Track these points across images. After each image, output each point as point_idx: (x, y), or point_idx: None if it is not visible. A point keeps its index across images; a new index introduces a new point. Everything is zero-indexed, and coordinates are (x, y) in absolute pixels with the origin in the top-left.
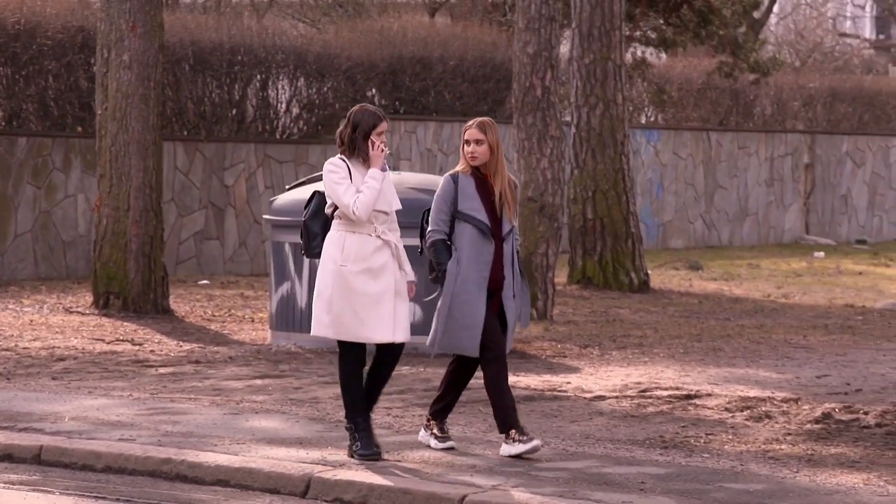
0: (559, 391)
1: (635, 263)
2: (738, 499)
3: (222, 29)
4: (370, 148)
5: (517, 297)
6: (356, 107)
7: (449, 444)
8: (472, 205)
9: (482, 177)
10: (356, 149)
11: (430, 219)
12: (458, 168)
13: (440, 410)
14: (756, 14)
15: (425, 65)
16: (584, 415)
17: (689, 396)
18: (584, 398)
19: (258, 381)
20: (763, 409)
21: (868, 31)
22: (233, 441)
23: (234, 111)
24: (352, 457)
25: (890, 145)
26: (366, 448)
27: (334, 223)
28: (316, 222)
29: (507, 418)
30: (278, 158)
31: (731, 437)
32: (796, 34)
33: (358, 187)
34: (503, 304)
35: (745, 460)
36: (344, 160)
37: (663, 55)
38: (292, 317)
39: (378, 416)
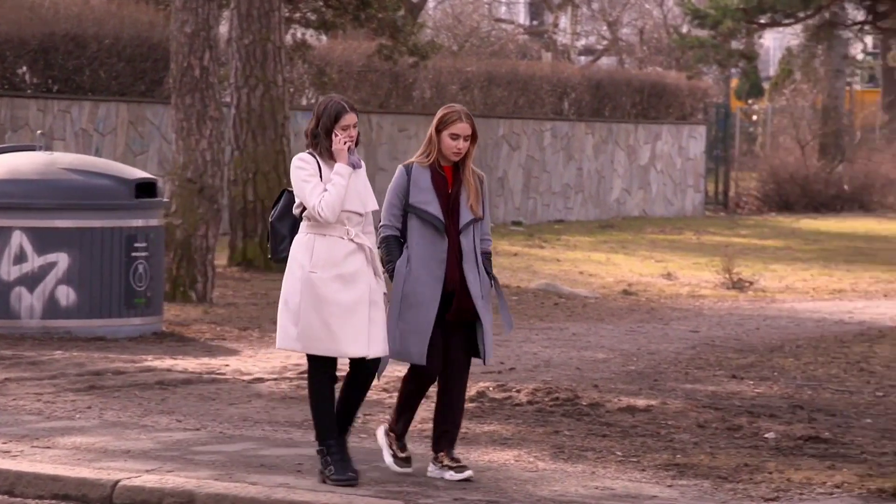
0: (217, 374)
1: None
2: (394, 478)
3: None
4: (333, 142)
5: (485, 298)
6: (323, 98)
7: (405, 469)
8: (425, 197)
9: (440, 168)
10: (319, 144)
11: (382, 213)
12: (416, 158)
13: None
14: None
15: (79, 43)
16: (243, 397)
17: None
18: (243, 381)
19: None
20: None
21: (522, 17)
22: None
23: None
24: (324, 482)
25: (544, 129)
26: (340, 473)
27: (303, 225)
28: (284, 223)
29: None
30: None
31: (388, 416)
32: (454, 19)
33: (325, 186)
34: (475, 306)
35: None
36: (313, 156)
37: (324, 37)
38: None
39: (27, 402)
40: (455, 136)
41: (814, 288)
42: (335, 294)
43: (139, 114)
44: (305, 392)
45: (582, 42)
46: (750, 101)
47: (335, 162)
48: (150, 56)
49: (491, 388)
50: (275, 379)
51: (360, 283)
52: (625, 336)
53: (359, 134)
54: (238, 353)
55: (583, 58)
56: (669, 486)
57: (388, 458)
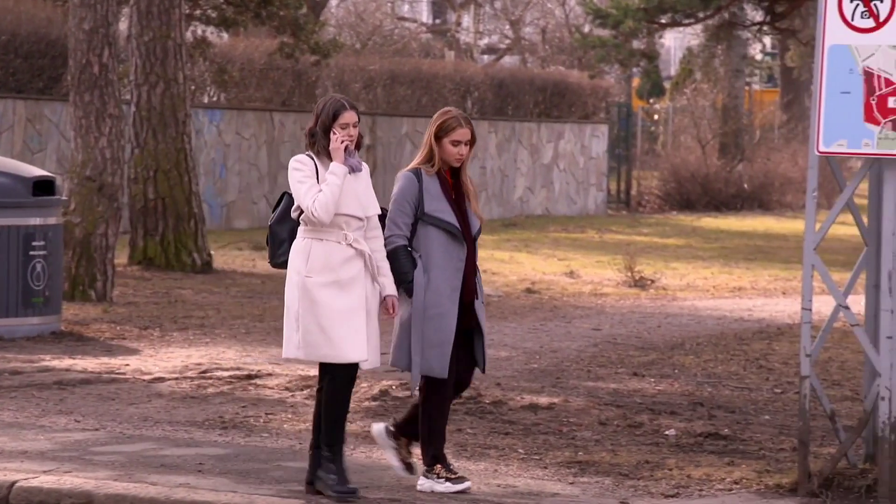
0: (117, 373)
1: (198, 244)
2: (296, 477)
3: None
4: (331, 140)
5: (482, 305)
6: (323, 97)
7: (465, 484)
8: (439, 206)
9: (444, 175)
10: (317, 144)
11: (388, 220)
12: (419, 164)
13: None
14: None
15: None
16: (143, 397)
17: (249, 377)
18: (143, 380)
19: None
20: None
21: (425, 15)
22: None
23: None
24: (314, 490)
25: None
26: (342, 484)
27: (300, 229)
28: (283, 227)
29: (432, 453)
30: None
31: (290, 415)
32: (356, 17)
33: (320, 186)
34: (476, 315)
35: (304, 439)
36: (311, 157)
37: (225, 35)
38: None
39: None
40: (456, 143)
41: (714, 286)
42: (330, 299)
43: (37, 111)
44: (208, 391)
45: (485, 41)
46: (651, 101)
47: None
48: (48, 53)
49: (394, 387)
50: (175, 378)
51: (356, 290)
52: (527, 334)
53: (360, 135)
54: (138, 352)
55: (486, 56)
56: (571, 483)
57: (394, 461)
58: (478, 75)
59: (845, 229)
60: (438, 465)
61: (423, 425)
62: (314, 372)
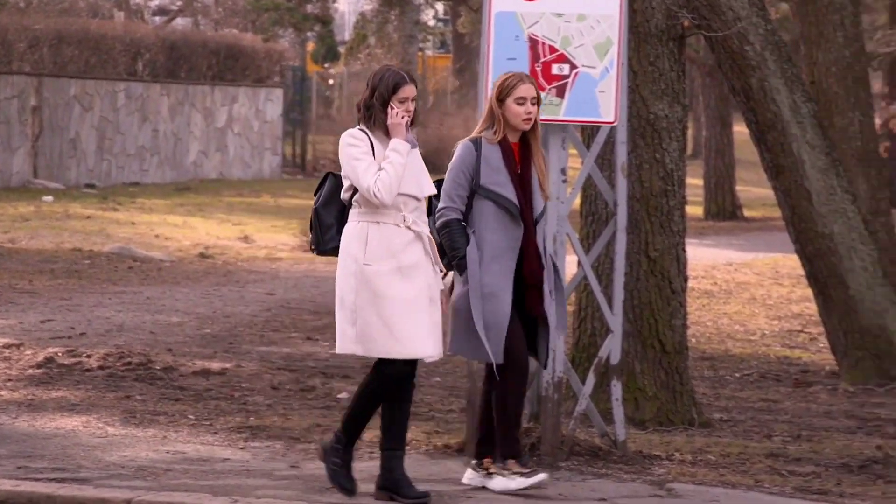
0: None
1: None
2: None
3: None
4: (389, 115)
5: (552, 295)
6: (378, 67)
7: (539, 476)
8: (498, 178)
9: (509, 145)
10: (374, 118)
11: (442, 192)
12: (481, 133)
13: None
14: None
15: None
16: None
17: None
18: None
19: None
20: None
21: None
22: None
23: None
24: (387, 496)
25: (117, 90)
26: (348, 480)
27: (353, 212)
28: (329, 210)
29: (509, 446)
30: None
31: None
32: None
33: (381, 164)
34: (543, 304)
35: None
36: (365, 132)
37: None
38: None
39: None
40: (522, 101)
41: None
42: (393, 289)
43: None
44: None
45: (156, 2)
46: (326, 65)
47: (389, 138)
48: None
49: (60, 354)
50: None
51: (419, 277)
52: (200, 299)
53: (416, 109)
54: None
55: (157, 18)
56: (242, 448)
57: (511, 484)
58: (149, 37)
59: None
60: (511, 461)
61: (498, 418)
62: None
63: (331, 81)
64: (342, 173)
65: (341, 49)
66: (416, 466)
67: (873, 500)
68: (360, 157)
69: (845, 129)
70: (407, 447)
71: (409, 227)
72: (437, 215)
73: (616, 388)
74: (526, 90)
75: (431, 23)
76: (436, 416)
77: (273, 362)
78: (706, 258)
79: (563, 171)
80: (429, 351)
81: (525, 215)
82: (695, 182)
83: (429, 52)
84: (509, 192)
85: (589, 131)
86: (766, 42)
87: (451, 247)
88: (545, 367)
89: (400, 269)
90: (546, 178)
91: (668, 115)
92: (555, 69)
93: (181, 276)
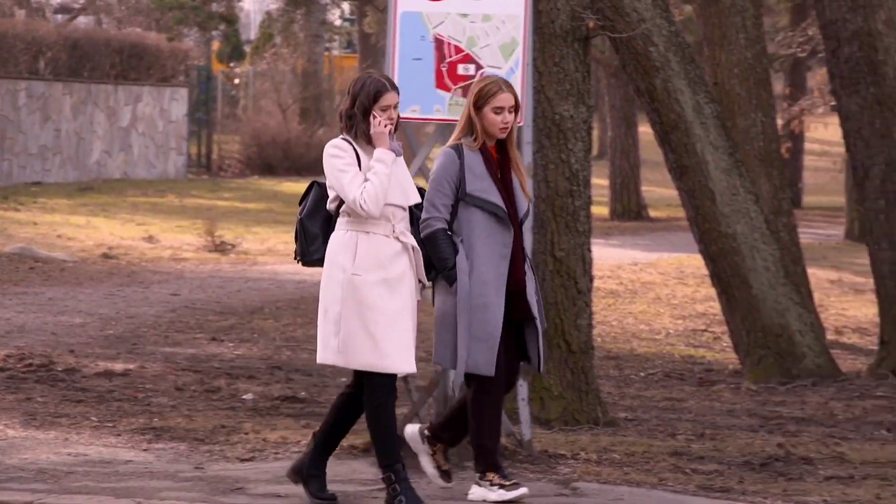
0: None
1: None
2: None
3: None
4: (371, 124)
5: (537, 296)
6: (359, 75)
7: (521, 490)
8: (483, 185)
9: (489, 151)
10: (356, 127)
11: (426, 202)
12: (460, 139)
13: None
14: None
15: None
16: None
17: None
18: None
19: None
20: None
21: None
22: None
23: None
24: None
25: (18, 89)
26: (414, 502)
27: (340, 221)
28: (315, 221)
29: (487, 458)
30: None
31: None
32: None
33: (366, 174)
34: (529, 308)
35: None
36: (349, 141)
37: None
38: None
39: None
40: (499, 110)
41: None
42: (380, 300)
43: None
44: None
45: (58, 0)
46: (232, 65)
47: (373, 147)
48: None
49: None
50: None
51: (403, 289)
52: (104, 300)
53: (398, 117)
54: None
55: (59, 16)
56: (145, 449)
57: (429, 469)
58: (51, 35)
59: None
60: (491, 473)
61: (476, 429)
62: None
63: (236, 81)
64: (327, 184)
65: (247, 48)
66: None
67: (774, 497)
68: (344, 169)
69: (748, 130)
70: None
71: (396, 238)
72: (421, 225)
73: (522, 388)
74: (504, 99)
75: (338, 22)
76: None
77: (177, 363)
78: (612, 258)
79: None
80: (410, 367)
81: (513, 220)
82: (600, 182)
83: (335, 52)
84: (496, 197)
85: None
86: (669, 43)
87: (439, 257)
88: (539, 370)
89: (387, 281)
90: (525, 178)
91: (573, 115)
92: (461, 69)
93: (84, 276)
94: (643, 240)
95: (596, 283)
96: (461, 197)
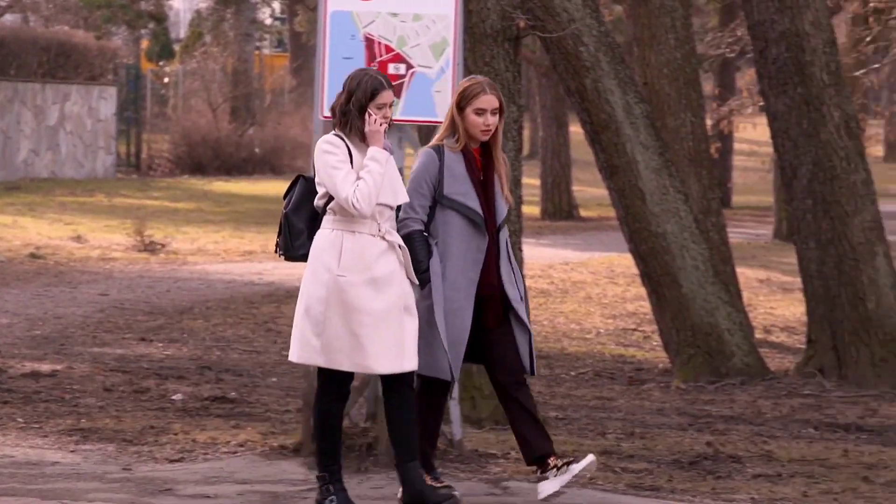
0: None
1: None
2: None
3: None
4: (366, 122)
5: (523, 301)
6: (353, 71)
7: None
8: (462, 188)
9: (471, 153)
10: (350, 124)
11: (404, 203)
12: (442, 141)
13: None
14: None
15: None
16: None
17: None
18: None
19: None
20: None
21: None
22: None
23: None
24: None
25: None
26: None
27: (327, 219)
28: (300, 215)
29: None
30: None
31: None
32: None
33: (359, 173)
34: (513, 311)
35: None
36: (342, 138)
37: None
38: None
39: None
40: (481, 112)
41: (225, 250)
42: (367, 301)
43: None
44: None
45: None
46: (161, 63)
47: (367, 145)
48: None
49: None
50: None
51: (392, 288)
52: (31, 300)
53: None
54: None
55: None
56: (73, 451)
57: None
58: None
59: None
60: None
61: (420, 431)
62: None
63: (166, 80)
64: (317, 180)
65: (177, 47)
66: (251, 467)
67: (703, 495)
68: (337, 166)
69: (677, 130)
70: (242, 448)
71: (383, 237)
72: (398, 226)
73: (453, 388)
74: (487, 101)
75: (268, 21)
76: (272, 417)
77: (106, 363)
78: (543, 257)
79: (401, 171)
80: (396, 366)
81: (489, 226)
82: (531, 182)
83: (266, 51)
84: (473, 202)
85: (425, 131)
86: (599, 43)
87: (413, 259)
88: (533, 373)
89: (373, 281)
90: (507, 183)
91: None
92: (391, 69)
93: (11, 276)
94: (574, 239)
95: (527, 282)
96: (438, 198)
